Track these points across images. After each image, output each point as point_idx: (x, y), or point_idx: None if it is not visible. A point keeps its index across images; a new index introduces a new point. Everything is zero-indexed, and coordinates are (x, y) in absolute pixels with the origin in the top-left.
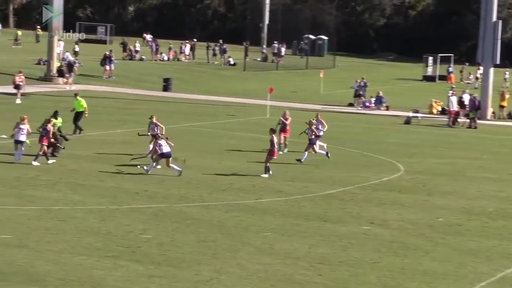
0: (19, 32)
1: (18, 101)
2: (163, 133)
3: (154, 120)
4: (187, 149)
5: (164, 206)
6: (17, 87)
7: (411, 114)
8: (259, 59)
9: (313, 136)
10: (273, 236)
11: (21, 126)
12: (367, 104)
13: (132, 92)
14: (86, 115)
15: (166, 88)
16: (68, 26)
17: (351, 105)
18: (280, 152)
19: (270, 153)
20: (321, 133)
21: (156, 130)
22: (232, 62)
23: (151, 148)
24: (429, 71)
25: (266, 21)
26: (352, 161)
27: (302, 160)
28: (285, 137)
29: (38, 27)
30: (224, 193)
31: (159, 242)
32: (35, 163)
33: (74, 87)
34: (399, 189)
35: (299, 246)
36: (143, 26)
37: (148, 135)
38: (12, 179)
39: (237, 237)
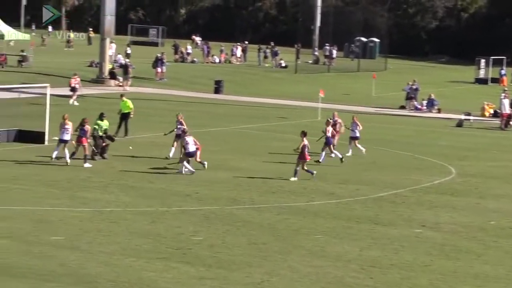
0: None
1: (70, 101)
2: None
3: (179, 118)
4: (238, 151)
5: (214, 208)
6: (73, 89)
7: (463, 116)
8: (310, 61)
9: (329, 134)
10: (324, 238)
11: (66, 126)
12: (419, 106)
13: (183, 94)
14: (132, 116)
15: (217, 91)
16: (120, 28)
17: (402, 107)
18: (332, 155)
19: (301, 156)
20: (357, 134)
21: (180, 129)
22: (283, 65)
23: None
24: (482, 73)
25: (318, 23)
26: (403, 164)
27: (320, 161)
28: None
29: (90, 29)
30: (275, 196)
31: (210, 244)
32: (86, 165)
33: (128, 89)
34: (451, 192)
35: (350, 248)
36: (194, 28)
37: (175, 130)
38: (65, 180)
39: (288, 240)
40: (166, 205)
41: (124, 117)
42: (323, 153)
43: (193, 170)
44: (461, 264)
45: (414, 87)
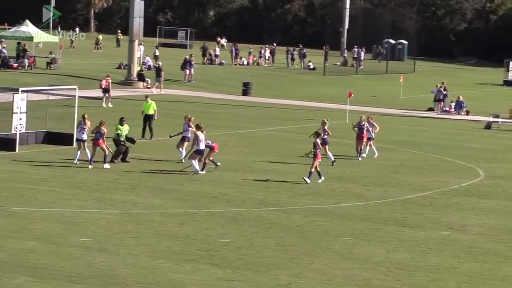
0: (100, 36)
1: (109, 104)
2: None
3: (188, 120)
4: (266, 153)
5: (243, 210)
6: (104, 90)
7: (491, 119)
8: (338, 63)
9: (325, 136)
10: (352, 240)
11: (83, 126)
12: (447, 109)
13: (211, 96)
14: (156, 118)
15: (245, 92)
16: (149, 30)
17: (431, 109)
18: (359, 159)
19: (315, 156)
20: (373, 135)
21: (188, 132)
22: (311, 67)
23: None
24: (510, 75)
25: (346, 25)
26: (431, 166)
27: (333, 159)
28: (361, 143)
29: (119, 31)
30: (303, 198)
31: (238, 246)
32: (106, 165)
33: (155, 91)
34: (479, 194)
35: (377, 251)
36: (223, 30)
37: (182, 132)
38: (93, 182)
39: (316, 242)
40: (195, 207)
41: (148, 118)
42: (328, 153)
43: (198, 169)
44: (489, 266)
45: (444, 92)
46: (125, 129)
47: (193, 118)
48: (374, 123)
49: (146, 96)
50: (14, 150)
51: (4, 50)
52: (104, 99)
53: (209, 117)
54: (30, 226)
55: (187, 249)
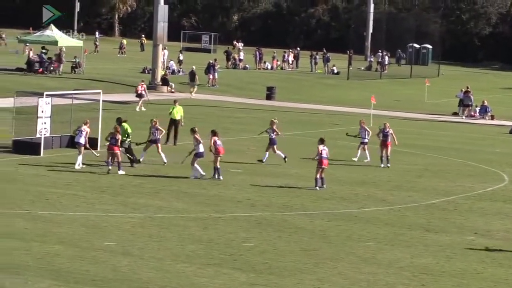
0: (124, 41)
1: (137, 109)
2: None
3: (154, 124)
4: (289, 157)
5: (266, 214)
6: (139, 95)
7: None
8: (363, 68)
9: (273, 136)
10: (376, 245)
11: (81, 129)
12: (471, 113)
13: (235, 101)
14: (182, 124)
15: (269, 97)
16: (173, 35)
17: (455, 114)
18: (382, 165)
19: (319, 163)
20: (366, 140)
21: (156, 134)
22: (336, 71)
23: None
24: None
25: (370, 30)
26: (456, 171)
27: (263, 160)
28: (386, 150)
29: (143, 35)
30: (327, 202)
31: (262, 250)
32: (120, 172)
33: (180, 96)
34: (503, 199)
35: (401, 255)
36: (247, 35)
37: (149, 141)
38: (117, 186)
39: (340, 246)
40: (218, 211)
41: (174, 123)
42: (267, 153)
43: (203, 173)
44: None
45: (471, 101)
46: (124, 130)
47: (158, 121)
48: (367, 128)
49: (175, 101)
50: (39, 154)
51: (43, 55)
52: (139, 103)
53: (232, 121)
54: (54, 230)
55: (211, 253)
